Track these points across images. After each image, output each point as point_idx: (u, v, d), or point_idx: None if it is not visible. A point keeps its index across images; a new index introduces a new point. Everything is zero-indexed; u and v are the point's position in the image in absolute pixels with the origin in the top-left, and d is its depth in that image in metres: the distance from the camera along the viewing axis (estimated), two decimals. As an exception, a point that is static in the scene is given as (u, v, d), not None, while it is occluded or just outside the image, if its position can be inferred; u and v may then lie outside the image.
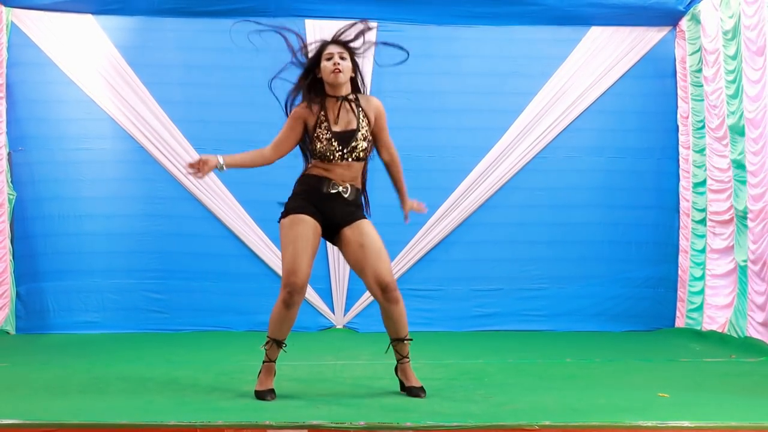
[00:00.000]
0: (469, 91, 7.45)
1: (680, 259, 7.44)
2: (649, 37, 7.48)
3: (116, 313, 7.24)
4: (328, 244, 7.26)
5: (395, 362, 4.30)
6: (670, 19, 7.38)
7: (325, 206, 4.14)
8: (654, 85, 7.49)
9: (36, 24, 7.25)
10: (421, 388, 4.19)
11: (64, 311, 7.22)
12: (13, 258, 7.21)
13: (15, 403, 3.99)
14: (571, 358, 5.77)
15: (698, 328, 7.05)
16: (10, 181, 7.19)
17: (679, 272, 7.43)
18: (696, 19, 7.10)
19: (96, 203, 7.27)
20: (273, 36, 7.30)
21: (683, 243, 7.43)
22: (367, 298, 7.34)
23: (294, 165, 7.31)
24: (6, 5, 7.15)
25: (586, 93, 7.45)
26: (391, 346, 4.23)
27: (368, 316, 7.33)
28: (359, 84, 4.28)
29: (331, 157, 4.11)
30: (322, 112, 4.14)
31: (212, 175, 7.21)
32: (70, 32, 7.26)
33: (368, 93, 7.17)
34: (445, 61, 7.48)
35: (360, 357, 5.81)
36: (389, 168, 4.50)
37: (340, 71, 4.10)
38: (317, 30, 7.29)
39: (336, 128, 4.13)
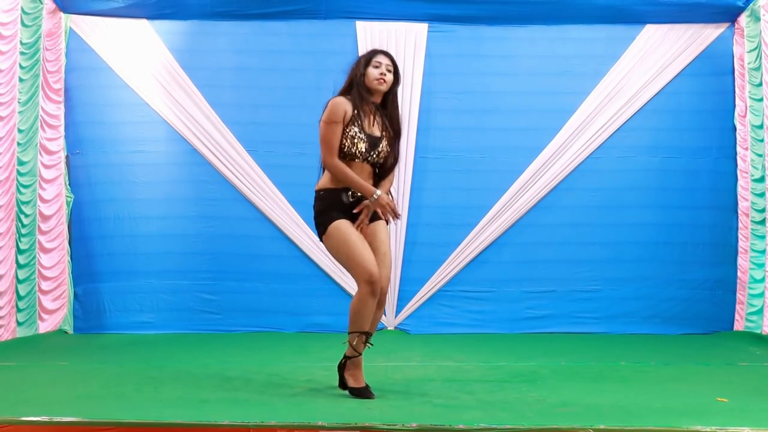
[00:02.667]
0: (521, 91, 7.39)
1: (739, 260, 7.30)
2: (706, 34, 7.35)
3: (170, 314, 7.29)
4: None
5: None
6: (728, 15, 7.26)
7: (348, 210, 4.28)
8: (711, 83, 7.36)
9: (93, 29, 7.35)
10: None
11: (119, 311, 7.30)
12: (71, 259, 7.31)
13: (74, 402, 4.06)
14: (625, 361, 5.69)
15: (758, 331, 6.91)
16: (68, 183, 7.30)
17: (738, 274, 7.29)
18: (756, 16, 6.98)
19: (150, 205, 7.34)
20: (323, 38, 7.44)
21: (742, 244, 7.29)
22: (418, 299, 7.34)
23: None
24: (65, 12, 7.27)
25: (641, 92, 7.35)
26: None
27: (420, 317, 7.34)
28: (387, 101, 4.44)
29: (357, 156, 4.27)
30: (356, 111, 4.28)
31: (263, 176, 7.33)
32: (125, 37, 7.35)
33: (420, 94, 7.29)
34: (497, 62, 7.43)
35: (412, 359, 5.78)
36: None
37: (384, 81, 4.32)
38: (368, 31, 7.35)
39: (369, 131, 4.30)
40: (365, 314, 4.18)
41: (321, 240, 4.33)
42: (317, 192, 4.34)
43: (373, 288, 4.14)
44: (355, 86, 4.33)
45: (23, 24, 6.75)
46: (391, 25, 7.37)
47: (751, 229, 7.18)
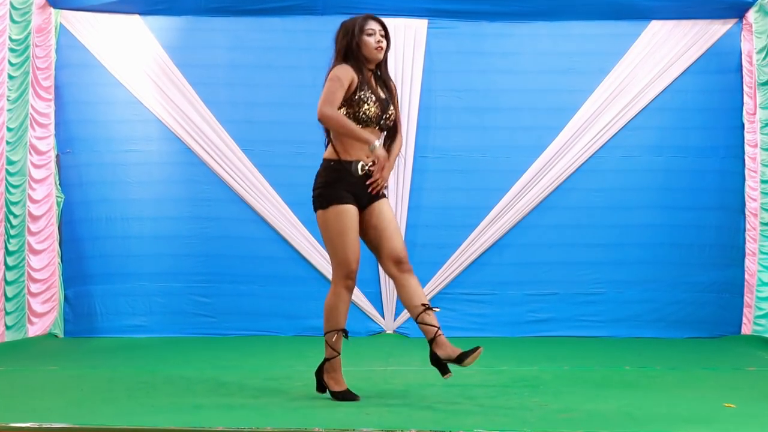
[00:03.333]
0: (522, 88, 7.37)
1: (747, 262, 7.24)
2: (713, 30, 7.29)
3: (163, 317, 7.26)
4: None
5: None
6: (736, 11, 7.20)
7: (356, 188, 4.15)
8: (718, 80, 7.30)
9: (84, 25, 7.31)
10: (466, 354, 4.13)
11: (111, 315, 7.27)
12: (62, 261, 7.27)
13: (64, 407, 4.03)
14: (629, 365, 5.66)
15: (767, 335, 6.88)
16: (58, 183, 7.26)
17: (746, 276, 7.23)
18: (764, 11, 6.94)
19: (143, 206, 7.32)
20: (319, 35, 7.39)
21: (750, 246, 7.23)
22: None
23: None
24: (55, 7, 7.23)
25: (646, 90, 7.29)
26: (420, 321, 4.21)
27: None
28: (380, 65, 4.34)
29: (371, 121, 4.14)
30: (360, 77, 4.15)
31: (259, 176, 7.27)
32: (117, 33, 7.32)
33: (419, 92, 7.22)
34: (498, 59, 7.39)
35: (411, 363, 5.77)
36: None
37: (382, 48, 4.23)
38: None
39: (376, 94, 4.19)
40: (342, 310, 4.15)
41: (315, 210, 4.18)
42: (327, 161, 4.18)
43: (349, 284, 4.13)
44: (352, 56, 4.18)
45: (12, 20, 6.72)
46: (390, 20, 7.08)
47: (760, 230, 7.12)
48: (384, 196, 4.26)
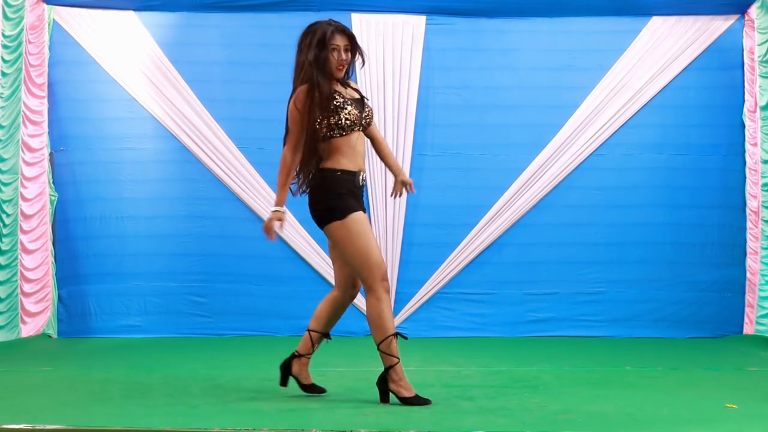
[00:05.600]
0: (522, 86, 7.35)
1: (748, 261, 7.22)
2: (715, 26, 7.27)
3: (158, 317, 7.24)
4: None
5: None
6: (738, 6, 7.19)
7: (358, 197, 4.20)
8: (720, 77, 7.28)
9: (77, 22, 7.28)
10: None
11: (106, 315, 7.25)
12: (55, 260, 7.24)
13: (57, 409, 4.02)
14: (630, 366, 5.66)
15: None
16: (51, 182, 7.23)
17: (748, 275, 7.22)
18: (766, 7, 6.93)
19: (138, 204, 7.29)
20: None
21: (752, 244, 7.20)
22: (416, 302, 7.28)
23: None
24: (48, 3, 7.19)
25: (647, 87, 7.27)
26: (318, 341, 4.36)
27: (417, 320, 7.27)
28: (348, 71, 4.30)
29: (354, 124, 4.13)
30: (327, 86, 4.11)
31: (255, 174, 7.23)
32: (111, 29, 7.29)
33: (417, 89, 7.18)
34: (497, 55, 7.37)
35: (409, 363, 5.66)
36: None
37: (344, 67, 4.17)
38: (364, 24, 7.29)
39: (347, 97, 4.17)
40: (388, 314, 4.07)
41: (328, 223, 4.10)
42: (334, 171, 4.11)
43: (386, 285, 4.08)
44: (315, 71, 4.08)
45: (5, 16, 6.67)
46: (388, 17, 7.33)
47: (762, 229, 7.10)
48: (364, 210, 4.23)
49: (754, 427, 3.59)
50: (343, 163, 4.11)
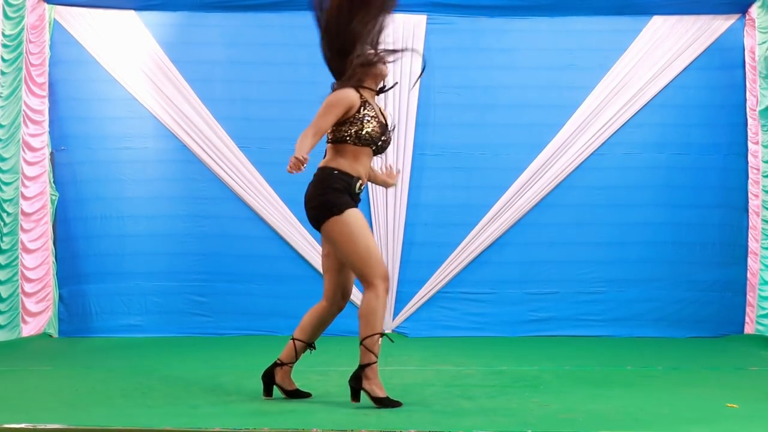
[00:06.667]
0: (522, 85, 7.33)
1: (749, 261, 7.21)
2: (716, 26, 7.26)
3: (159, 317, 7.23)
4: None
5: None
6: (739, 6, 7.18)
7: (355, 201, 4.16)
8: (720, 76, 7.27)
9: (78, 21, 7.28)
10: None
11: (106, 314, 7.23)
12: (56, 260, 7.23)
13: (58, 408, 4.01)
14: (631, 365, 5.66)
15: None
16: (52, 181, 7.22)
17: (748, 275, 7.20)
18: (767, 6, 6.90)
19: (138, 204, 7.28)
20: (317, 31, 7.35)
21: (752, 244, 7.19)
22: (417, 301, 7.27)
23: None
24: (49, 3, 7.18)
25: (648, 86, 7.26)
26: (304, 348, 4.32)
27: (418, 320, 7.25)
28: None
29: (372, 140, 4.13)
30: (362, 102, 4.15)
31: (256, 174, 7.22)
32: (112, 29, 7.28)
33: (418, 88, 7.18)
34: (498, 55, 7.35)
35: (410, 363, 5.74)
36: None
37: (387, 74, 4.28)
38: None
39: (380, 118, 4.22)
40: (382, 313, 4.04)
41: (325, 220, 4.04)
42: (332, 170, 4.09)
43: (387, 285, 4.04)
44: (357, 76, 4.16)
45: (6, 15, 6.67)
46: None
47: (762, 228, 7.09)
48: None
49: (754, 426, 3.59)
50: (343, 165, 4.09)
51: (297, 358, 4.28)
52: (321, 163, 4.16)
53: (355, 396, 4.08)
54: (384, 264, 4.08)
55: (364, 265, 4.01)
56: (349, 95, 4.07)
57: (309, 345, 4.28)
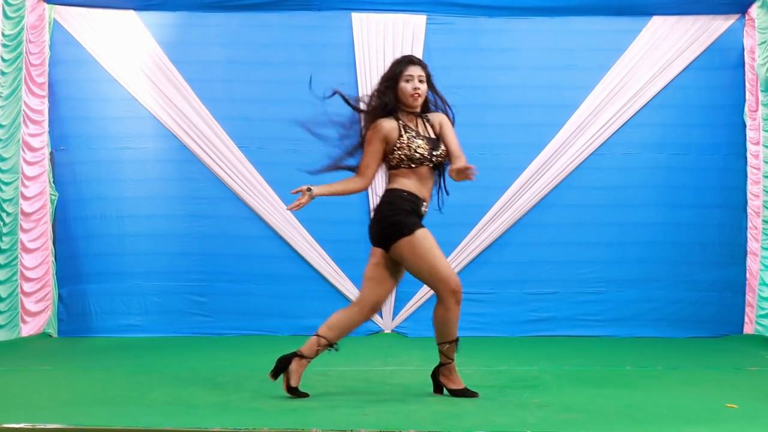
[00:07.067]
0: (522, 85, 7.31)
1: (749, 261, 7.20)
2: (715, 26, 7.24)
3: (159, 317, 7.21)
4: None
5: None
6: (739, 6, 7.16)
7: (421, 220, 4.35)
8: (720, 77, 7.25)
9: (78, 21, 7.27)
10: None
11: (106, 314, 7.22)
12: (56, 259, 7.22)
13: (57, 408, 4.02)
14: (631, 365, 5.66)
15: None
16: (52, 181, 7.21)
17: (748, 275, 7.19)
18: (767, 6, 6.89)
19: (138, 203, 7.26)
20: (317, 30, 7.38)
21: (752, 244, 7.18)
22: (416, 301, 7.25)
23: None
24: (48, 2, 7.18)
25: (647, 86, 7.24)
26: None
27: (417, 320, 7.23)
28: (429, 104, 4.52)
29: (424, 159, 4.30)
30: (402, 127, 4.34)
31: (255, 173, 7.21)
32: (112, 29, 7.27)
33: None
34: (498, 55, 7.33)
35: (409, 363, 5.75)
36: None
37: (419, 95, 4.37)
38: (364, 23, 7.25)
39: (423, 134, 4.37)
40: (455, 322, 4.25)
41: (396, 241, 4.23)
42: (400, 191, 4.30)
43: (458, 298, 4.22)
44: (389, 106, 4.35)
45: (5, 15, 6.66)
46: (388, 16, 7.29)
47: (762, 229, 7.08)
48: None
49: (754, 426, 3.59)
50: (410, 186, 4.29)
51: (316, 356, 4.35)
52: (387, 186, 4.36)
53: (438, 389, 4.41)
54: (452, 277, 4.19)
55: (433, 281, 4.22)
56: (382, 126, 4.29)
57: (331, 345, 4.35)
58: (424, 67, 4.41)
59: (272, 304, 7.24)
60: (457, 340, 4.29)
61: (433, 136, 4.38)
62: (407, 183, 4.28)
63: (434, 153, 4.30)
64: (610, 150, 7.27)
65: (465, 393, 4.29)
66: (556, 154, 7.22)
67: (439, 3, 7.20)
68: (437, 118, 4.46)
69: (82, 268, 7.23)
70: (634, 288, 7.23)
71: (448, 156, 4.38)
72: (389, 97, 4.34)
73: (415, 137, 4.27)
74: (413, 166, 4.27)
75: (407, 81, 4.34)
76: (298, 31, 7.27)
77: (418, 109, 4.41)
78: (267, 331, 7.20)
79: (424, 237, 4.20)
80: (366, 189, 4.41)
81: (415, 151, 4.25)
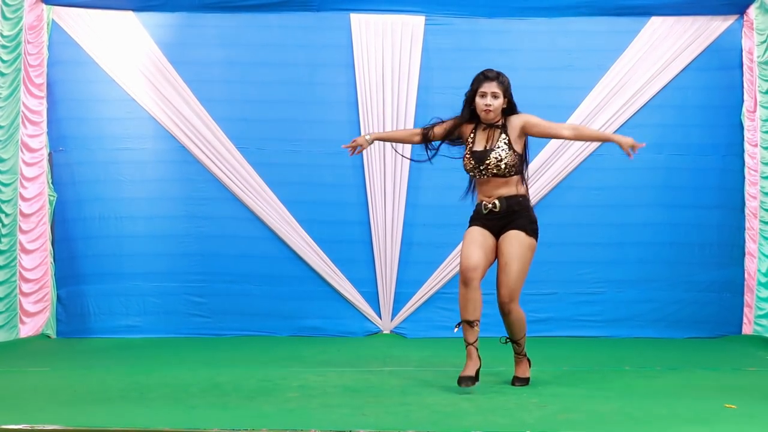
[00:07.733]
0: (521, 86, 7.02)
1: (747, 262, 7.19)
2: (714, 26, 7.23)
3: (157, 317, 7.20)
4: (374, 247, 7.22)
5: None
6: (737, 7, 7.15)
7: (488, 224, 4.79)
8: (718, 77, 7.24)
9: (76, 22, 7.24)
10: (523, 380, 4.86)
11: (105, 315, 7.20)
12: (54, 260, 7.20)
13: (56, 409, 4.02)
14: (629, 366, 5.66)
15: (767, 335, 6.84)
16: (50, 182, 7.19)
17: (746, 276, 7.18)
18: (765, 8, 6.89)
19: (137, 204, 7.25)
20: (316, 31, 7.37)
21: (750, 245, 7.17)
22: (415, 302, 7.25)
23: (334, 164, 7.25)
24: (47, 3, 7.16)
25: (646, 87, 7.22)
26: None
27: (416, 321, 7.24)
28: (514, 108, 4.85)
29: (471, 172, 4.81)
30: (471, 134, 4.80)
31: (254, 174, 7.21)
32: (110, 30, 7.24)
33: (416, 89, 7.09)
34: (496, 55, 7.23)
35: (408, 363, 5.76)
36: (577, 139, 5.56)
37: (490, 110, 4.71)
38: (363, 24, 7.24)
39: (475, 148, 4.76)
40: (463, 303, 4.74)
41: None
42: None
43: (463, 278, 4.68)
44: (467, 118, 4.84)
45: (3, 16, 6.64)
46: (387, 17, 7.27)
47: (760, 229, 7.07)
48: (513, 227, 4.81)
49: (753, 427, 3.60)
50: (477, 194, 4.86)
51: (517, 352, 5.07)
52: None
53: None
54: (465, 260, 4.72)
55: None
56: (464, 120, 4.85)
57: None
58: (500, 80, 4.71)
59: (271, 304, 7.23)
60: (469, 322, 4.74)
61: (484, 147, 4.69)
62: (477, 190, 4.86)
63: (479, 167, 4.69)
64: (608, 150, 7.13)
65: (460, 381, 4.57)
66: (555, 154, 7.20)
67: (438, 4, 7.19)
68: (519, 120, 4.75)
69: (80, 269, 7.21)
70: (633, 288, 7.22)
71: (501, 163, 4.65)
72: (467, 111, 4.79)
73: (468, 152, 4.76)
74: (472, 176, 4.84)
75: (481, 97, 4.69)
76: (296, 32, 7.25)
77: (493, 122, 4.72)
78: (266, 331, 7.18)
79: (467, 233, 4.79)
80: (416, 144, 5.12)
81: (464, 166, 4.80)
